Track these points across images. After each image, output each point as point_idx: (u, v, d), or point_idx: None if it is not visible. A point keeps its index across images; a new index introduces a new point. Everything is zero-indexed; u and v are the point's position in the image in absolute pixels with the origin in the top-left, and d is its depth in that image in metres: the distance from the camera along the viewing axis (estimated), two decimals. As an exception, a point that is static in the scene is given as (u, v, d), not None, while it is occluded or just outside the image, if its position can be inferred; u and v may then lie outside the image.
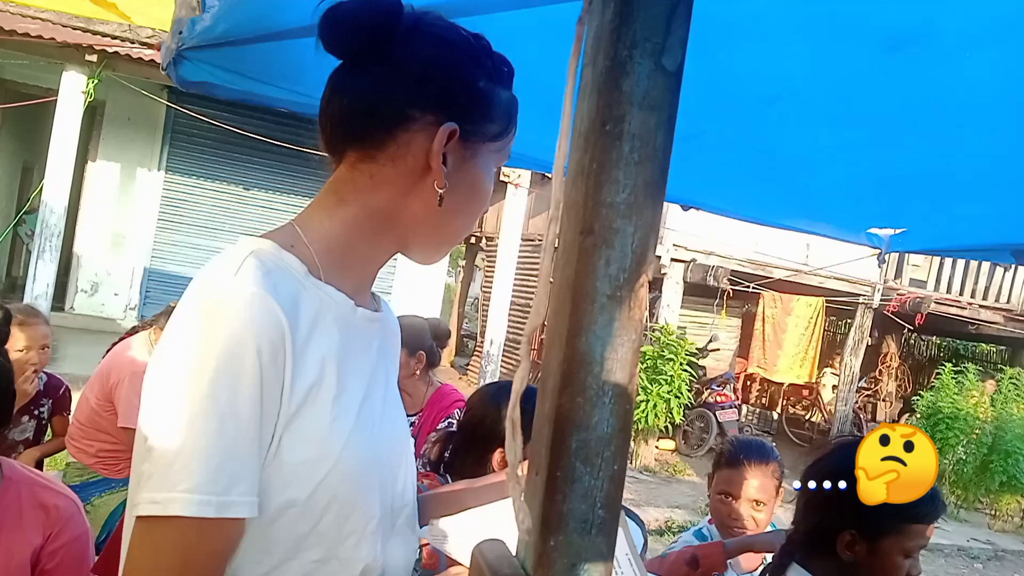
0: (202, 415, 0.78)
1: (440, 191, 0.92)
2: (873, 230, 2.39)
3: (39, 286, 7.41)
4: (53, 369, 3.54)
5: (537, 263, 12.02)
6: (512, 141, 0.99)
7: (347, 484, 0.88)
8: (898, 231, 2.36)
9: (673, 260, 10.15)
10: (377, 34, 0.89)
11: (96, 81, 7.41)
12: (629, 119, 0.46)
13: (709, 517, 2.35)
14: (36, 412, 3.32)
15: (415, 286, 9.77)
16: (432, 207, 0.93)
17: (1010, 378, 10.20)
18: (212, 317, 0.81)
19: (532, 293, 12.01)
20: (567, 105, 0.50)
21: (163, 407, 0.80)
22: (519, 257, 10.01)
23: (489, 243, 13.34)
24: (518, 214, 9.61)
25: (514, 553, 0.51)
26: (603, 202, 0.47)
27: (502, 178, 9.44)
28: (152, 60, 7.16)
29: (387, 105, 0.91)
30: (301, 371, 0.85)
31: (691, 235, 9.88)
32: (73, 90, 7.36)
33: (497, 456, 1.75)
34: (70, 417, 3.41)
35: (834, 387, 11.85)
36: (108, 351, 3.40)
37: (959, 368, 10.17)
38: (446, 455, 1.89)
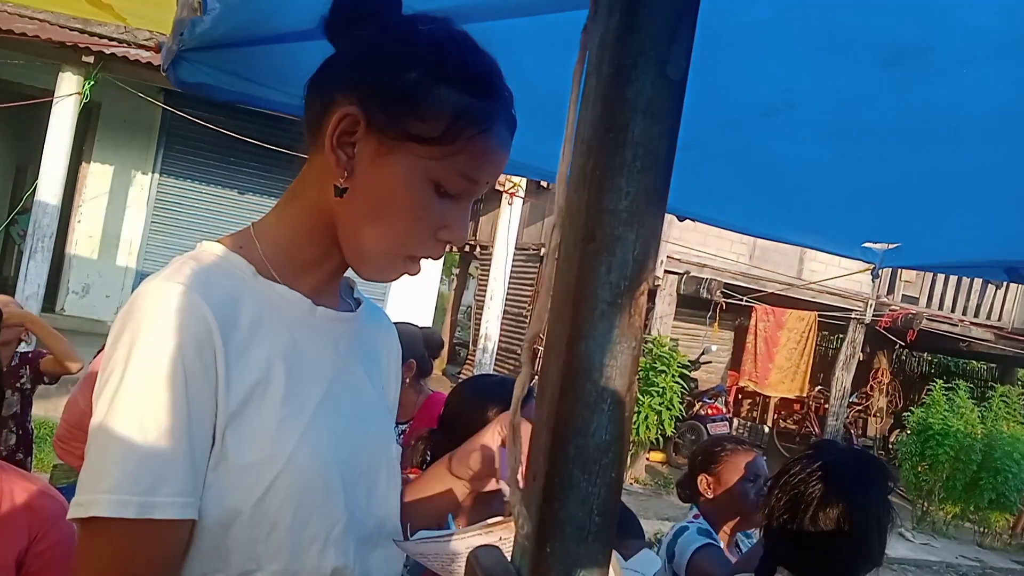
0: (122, 415, 0.78)
1: (338, 181, 0.86)
2: (867, 244, 2.40)
3: (30, 287, 7.37)
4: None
5: (531, 273, 12.04)
6: (466, 155, 0.86)
7: (301, 485, 0.86)
8: (892, 246, 2.37)
9: (667, 272, 10.17)
10: (335, 18, 0.88)
11: (92, 82, 7.39)
12: (633, 127, 0.46)
13: (695, 513, 2.37)
14: (18, 385, 3.31)
15: (409, 293, 9.77)
16: (344, 203, 0.87)
17: (1000, 396, 10.23)
18: (133, 318, 0.80)
19: (525, 302, 12.02)
20: (571, 112, 0.50)
21: (95, 410, 0.80)
22: (513, 266, 10.01)
23: (483, 252, 13.34)
24: (512, 223, 9.60)
25: (510, 559, 0.50)
26: (605, 209, 0.47)
27: (496, 187, 9.46)
28: (149, 62, 7.16)
29: (321, 87, 0.89)
30: (240, 370, 0.83)
31: (685, 247, 9.91)
32: (69, 91, 7.35)
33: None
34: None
35: (825, 402, 11.87)
36: (98, 353, 3.39)
37: (950, 385, 10.20)
38: (428, 455, 1.91)
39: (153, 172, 9.43)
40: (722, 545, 2.28)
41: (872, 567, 1.51)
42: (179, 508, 0.79)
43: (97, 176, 9.27)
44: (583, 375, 0.47)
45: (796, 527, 1.47)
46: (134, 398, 0.78)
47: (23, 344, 3.31)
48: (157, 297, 0.81)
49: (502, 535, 0.89)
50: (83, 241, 9.29)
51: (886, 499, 1.52)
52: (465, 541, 0.92)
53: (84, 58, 7.22)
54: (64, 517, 1.69)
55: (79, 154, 8.79)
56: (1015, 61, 1.06)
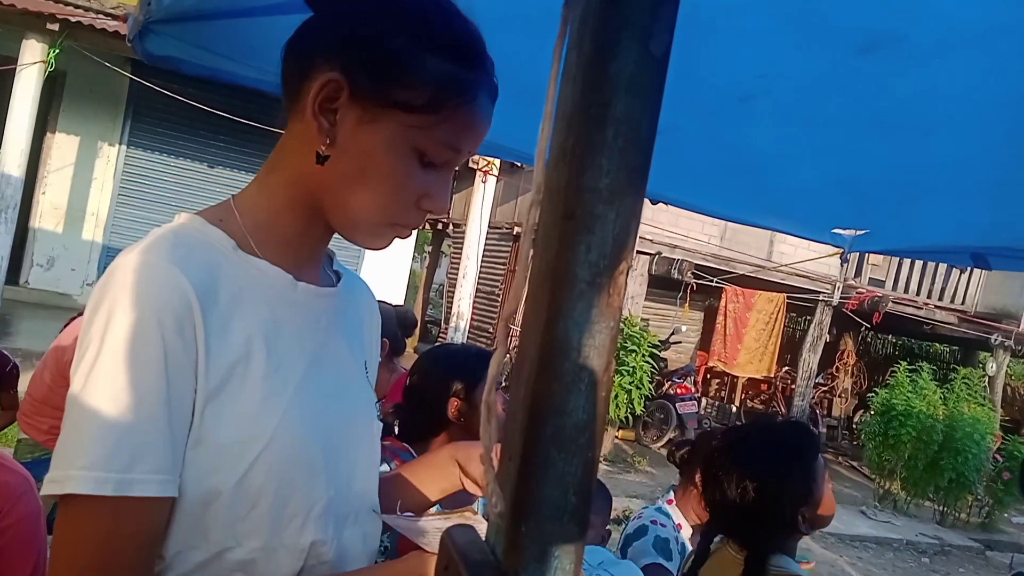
0: (99, 390, 0.76)
1: (320, 148, 0.85)
2: (837, 230, 2.42)
3: (-7, 259, 7.23)
4: (5, 344, 3.46)
5: (504, 251, 12.03)
6: (451, 124, 0.85)
7: (284, 464, 0.85)
8: (861, 232, 2.40)
9: (638, 252, 10.21)
10: None
11: (57, 51, 7.21)
12: (614, 104, 0.45)
13: (668, 498, 2.40)
14: None
15: (381, 271, 9.72)
16: (327, 172, 0.86)
17: (962, 378, 10.44)
18: (111, 292, 0.79)
19: (498, 281, 12.02)
20: (551, 89, 0.49)
21: (72, 384, 0.78)
22: (486, 245, 9.99)
23: (456, 230, 13.30)
24: (486, 202, 9.58)
25: (484, 538, 0.50)
26: (585, 187, 0.46)
27: (471, 165, 9.41)
28: (116, 31, 6.98)
29: (300, 52, 0.87)
30: (221, 346, 0.82)
31: (657, 228, 9.95)
32: (33, 59, 7.16)
33: (451, 406, 1.84)
34: (19, 393, 3.33)
35: (792, 383, 12.05)
36: (65, 327, 3.33)
37: (914, 367, 10.39)
38: (396, 425, 1.94)
39: (120, 144, 9.24)
40: (682, 544, 2.28)
41: (792, 535, 1.54)
42: (157, 485, 0.78)
43: (62, 147, 9.07)
44: (561, 354, 0.47)
45: (720, 495, 1.54)
46: (111, 373, 0.76)
47: None
48: (136, 270, 0.79)
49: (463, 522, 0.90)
50: (48, 213, 9.11)
51: (806, 470, 1.54)
52: (432, 523, 0.93)
53: (49, 25, 7.04)
54: (29, 492, 1.67)
55: (44, 124, 8.59)
56: (986, 51, 1.07)
